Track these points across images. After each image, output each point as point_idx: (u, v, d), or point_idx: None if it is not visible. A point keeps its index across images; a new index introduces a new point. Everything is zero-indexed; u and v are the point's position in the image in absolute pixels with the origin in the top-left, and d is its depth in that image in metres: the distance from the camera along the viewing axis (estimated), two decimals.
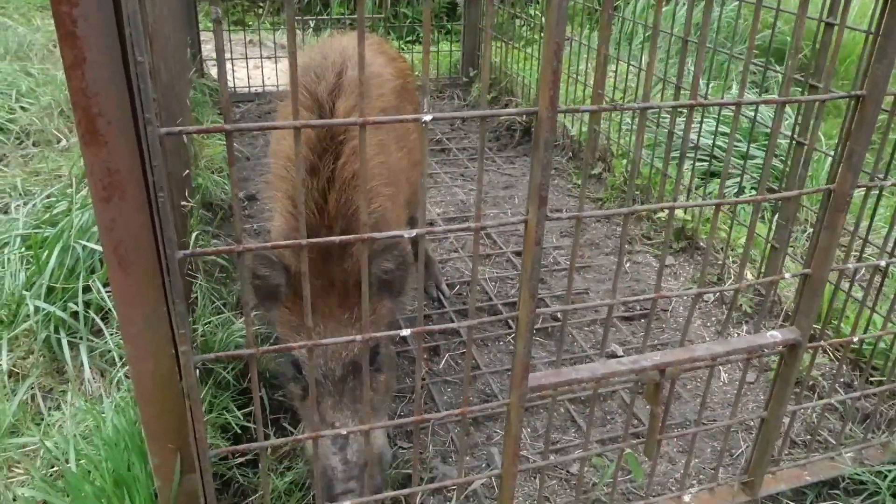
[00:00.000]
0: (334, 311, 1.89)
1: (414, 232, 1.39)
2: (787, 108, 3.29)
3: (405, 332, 1.51)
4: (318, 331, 1.86)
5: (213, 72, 5.62)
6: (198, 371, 2.24)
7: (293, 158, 1.10)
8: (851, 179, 1.66)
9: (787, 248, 3.07)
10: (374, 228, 1.96)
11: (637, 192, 3.91)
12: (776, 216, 3.05)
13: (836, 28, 2.60)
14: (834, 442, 2.31)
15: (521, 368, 1.59)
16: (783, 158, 3.09)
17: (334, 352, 1.83)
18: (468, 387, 1.59)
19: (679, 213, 3.57)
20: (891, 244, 2.11)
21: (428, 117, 1.28)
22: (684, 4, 5.64)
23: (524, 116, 4.92)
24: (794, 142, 2.87)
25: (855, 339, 1.98)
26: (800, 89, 3.03)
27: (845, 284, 2.56)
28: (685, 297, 3.26)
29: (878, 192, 2.09)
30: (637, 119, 4.14)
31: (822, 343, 1.94)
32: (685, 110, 4.63)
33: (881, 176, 2.18)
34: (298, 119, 1.20)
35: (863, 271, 3.01)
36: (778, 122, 1.55)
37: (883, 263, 1.88)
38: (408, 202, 2.53)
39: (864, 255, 2.56)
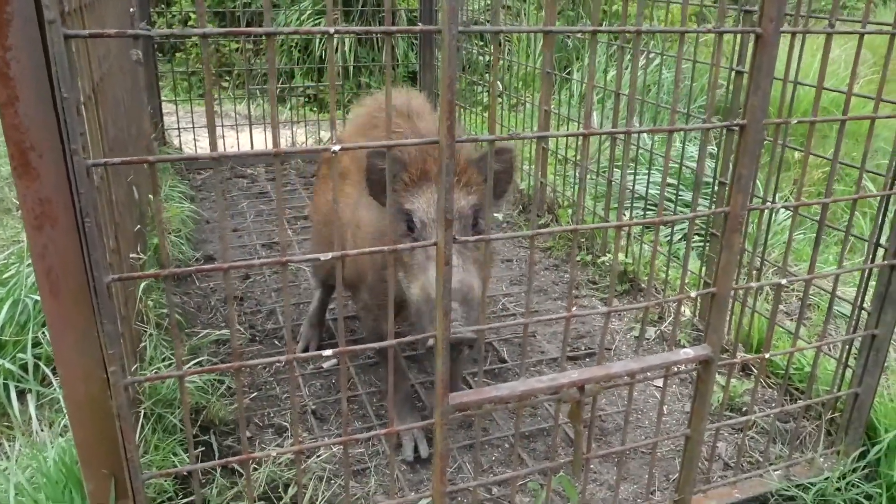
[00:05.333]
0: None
1: (329, 255, 1.50)
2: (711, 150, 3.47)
3: (327, 352, 1.61)
4: (430, 193, 2.19)
5: (175, 141, 5.78)
6: (142, 414, 2.31)
7: None
8: (742, 201, 1.81)
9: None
10: None
11: (582, 240, 4.08)
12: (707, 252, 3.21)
13: (744, 75, 2.83)
14: (762, 461, 2.40)
15: (441, 387, 1.68)
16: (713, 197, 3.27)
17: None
18: (392, 405, 1.67)
19: (620, 256, 3.73)
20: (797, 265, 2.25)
21: (336, 147, 1.41)
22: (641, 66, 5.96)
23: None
24: (717, 182, 3.06)
25: (767, 356, 2.10)
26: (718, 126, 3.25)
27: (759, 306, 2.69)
28: (628, 337, 3.39)
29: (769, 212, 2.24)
30: (579, 172, 4.34)
31: (734, 360, 2.06)
32: (632, 164, 4.85)
33: (771, 199, 2.35)
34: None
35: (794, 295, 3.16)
36: (667, 150, 1.71)
37: (784, 282, 2.02)
38: None
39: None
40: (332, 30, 1.32)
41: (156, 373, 2.55)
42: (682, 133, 4.03)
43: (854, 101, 4.91)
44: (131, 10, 1.22)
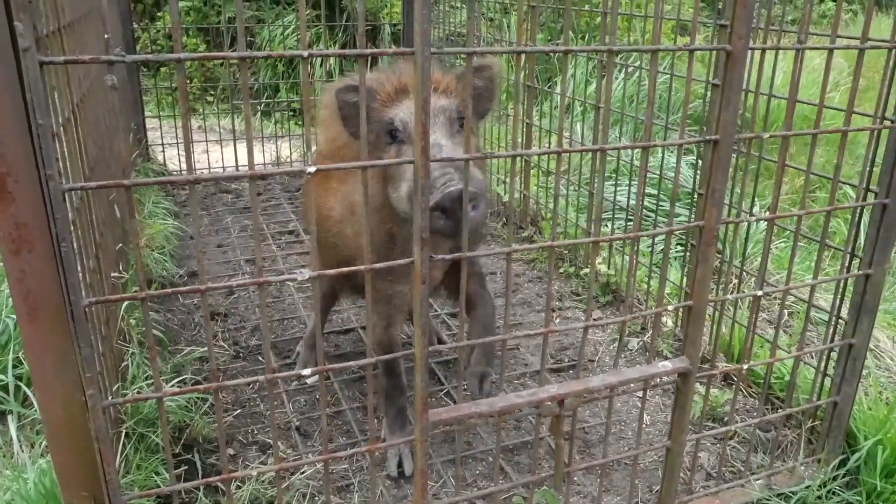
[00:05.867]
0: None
1: (307, 274, 1.51)
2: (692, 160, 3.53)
3: (306, 371, 1.61)
4: (409, 100, 2.11)
5: (160, 156, 5.77)
6: (124, 433, 2.30)
7: None
8: (716, 214, 1.84)
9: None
10: None
11: (565, 252, 4.10)
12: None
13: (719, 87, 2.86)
14: (744, 470, 2.42)
15: (420, 403, 1.69)
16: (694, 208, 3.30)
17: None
18: (373, 417, 1.68)
19: (603, 267, 3.75)
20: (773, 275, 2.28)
21: (311, 169, 1.42)
22: (619, 81, 6.01)
23: None
24: (696, 194, 3.09)
25: (745, 367, 2.12)
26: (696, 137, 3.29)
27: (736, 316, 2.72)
28: (611, 348, 3.41)
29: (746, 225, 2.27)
30: (556, 184, 4.35)
31: (713, 371, 2.08)
32: (614, 175, 4.90)
33: (746, 211, 2.38)
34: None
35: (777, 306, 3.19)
36: (643, 165, 1.73)
37: (760, 293, 2.04)
38: None
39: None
40: (305, 53, 1.34)
41: (138, 391, 2.54)
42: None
43: (834, 111, 4.94)
44: (105, 36, 1.23)
